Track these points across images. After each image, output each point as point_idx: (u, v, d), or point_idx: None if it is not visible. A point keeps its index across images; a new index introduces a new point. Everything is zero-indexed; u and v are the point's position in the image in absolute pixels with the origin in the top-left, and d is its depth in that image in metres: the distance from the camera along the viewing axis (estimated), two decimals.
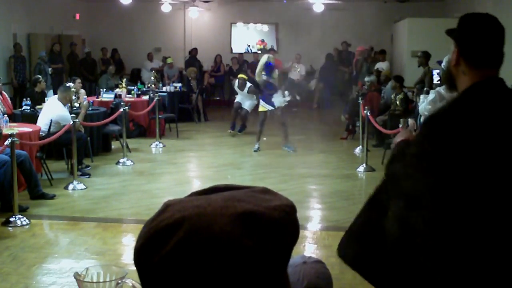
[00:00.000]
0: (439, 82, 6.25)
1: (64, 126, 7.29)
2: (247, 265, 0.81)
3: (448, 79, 1.83)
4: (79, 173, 7.52)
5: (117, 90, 11.32)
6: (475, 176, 1.45)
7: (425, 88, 5.76)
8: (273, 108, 9.58)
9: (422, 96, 5.58)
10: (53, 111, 7.59)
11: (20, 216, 5.78)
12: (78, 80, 9.66)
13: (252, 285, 0.82)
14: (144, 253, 0.83)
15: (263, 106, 9.76)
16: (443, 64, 5.40)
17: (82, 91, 9.68)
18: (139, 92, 11.49)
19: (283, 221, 0.84)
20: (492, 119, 1.59)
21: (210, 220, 0.81)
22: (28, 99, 8.83)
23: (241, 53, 17.32)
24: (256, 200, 0.85)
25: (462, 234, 1.45)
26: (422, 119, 7.01)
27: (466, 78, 1.76)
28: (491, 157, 1.46)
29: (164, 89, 12.72)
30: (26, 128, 7.25)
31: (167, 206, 0.86)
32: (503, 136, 1.52)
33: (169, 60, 15.49)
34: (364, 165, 8.30)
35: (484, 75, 1.74)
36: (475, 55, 1.76)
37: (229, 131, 11.43)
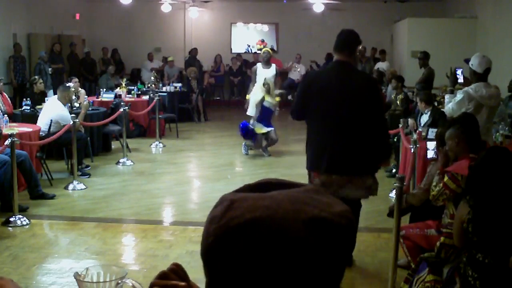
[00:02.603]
0: (463, 81, 6.17)
1: (64, 126, 7.29)
2: (318, 272, 0.84)
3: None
4: (79, 173, 7.52)
5: (117, 90, 11.32)
6: (308, 92, 4.32)
7: (449, 88, 5.69)
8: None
9: (447, 96, 5.50)
10: (53, 111, 7.59)
11: (20, 216, 5.78)
12: (75, 79, 9.66)
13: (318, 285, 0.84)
14: (216, 251, 0.84)
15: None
16: (471, 63, 5.34)
17: (82, 91, 9.68)
18: (139, 92, 11.49)
19: (349, 229, 0.87)
20: (320, 75, 4.58)
21: (283, 224, 0.83)
22: (28, 99, 8.82)
23: (241, 53, 17.32)
24: (320, 204, 0.87)
25: (304, 99, 4.36)
26: (421, 123, 7.00)
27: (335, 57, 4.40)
28: (312, 86, 4.32)
29: (164, 89, 12.72)
30: (26, 128, 7.25)
31: (232, 202, 0.87)
32: (320, 80, 4.31)
33: (170, 58, 15.49)
34: None
35: (337, 58, 4.32)
36: (334, 47, 4.33)
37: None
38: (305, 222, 0.83)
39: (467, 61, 5.49)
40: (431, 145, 5.29)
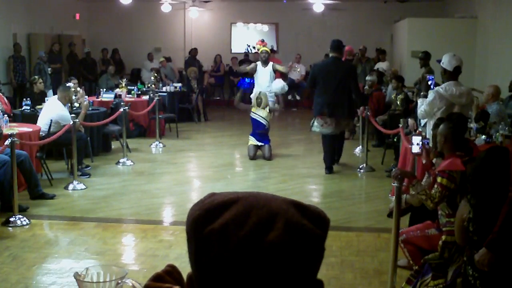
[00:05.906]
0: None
1: (64, 126, 7.29)
2: (304, 245, 0.84)
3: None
4: (79, 173, 7.51)
5: (117, 90, 11.31)
6: (316, 74, 8.01)
7: (422, 93, 5.72)
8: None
9: (420, 100, 5.54)
10: (53, 111, 7.59)
11: (20, 216, 5.78)
12: (74, 80, 9.66)
13: (301, 267, 0.85)
14: (202, 222, 0.87)
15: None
16: (442, 62, 5.40)
17: (81, 91, 9.67)
18: (139, 92, 11.48)
19: (326, 218, 0.90)
20: (323, 64, 8.39)
21: (265, 200, 0.88)
22: (28, 99, 8.82)
23: (241, 53, 17.32)
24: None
25: (314, 77, 8.07)
26: (421, 122, 7.00)
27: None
28: (319, 71, 8.01)
29: (164, 89, 12.71)
30: (26, 128, 7.25)
31: (214, 193, 0.93)
32: (323, 67, 8.10)
33: (160, 59, 15.47)
34: (364, 165, 8.30)
35: (332, 55, 8.03)
36: (330, 49, 8.07)
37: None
38: (286, 200, 0.88)
39: (439, 61, 5.54)
40: (416, 139, 5.19)
